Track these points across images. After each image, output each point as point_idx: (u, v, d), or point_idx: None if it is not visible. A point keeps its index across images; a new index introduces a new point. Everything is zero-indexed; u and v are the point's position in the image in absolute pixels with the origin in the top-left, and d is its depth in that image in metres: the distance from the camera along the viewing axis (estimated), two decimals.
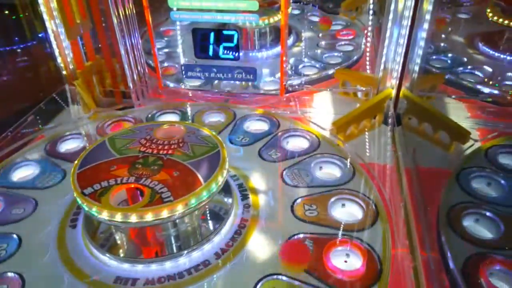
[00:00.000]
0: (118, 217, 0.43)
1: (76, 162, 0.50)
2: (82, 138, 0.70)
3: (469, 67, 0.83)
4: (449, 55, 0.88)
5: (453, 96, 0.77)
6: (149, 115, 0.75)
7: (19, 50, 0.91)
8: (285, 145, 0.66)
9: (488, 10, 0.88)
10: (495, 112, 0.72)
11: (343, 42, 0.96)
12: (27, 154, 0.66)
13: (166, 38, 1.01)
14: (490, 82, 0.79)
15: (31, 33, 0.89)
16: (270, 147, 0.65)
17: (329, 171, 0.61)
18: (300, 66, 0.87)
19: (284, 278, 0.45)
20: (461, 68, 0.83)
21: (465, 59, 0.86)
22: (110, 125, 0.73)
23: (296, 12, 1.12)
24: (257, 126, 0.72)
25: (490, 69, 0.82)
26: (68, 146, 0.69)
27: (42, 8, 0.74)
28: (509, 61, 0.84)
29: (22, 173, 0.63)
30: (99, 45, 0.79)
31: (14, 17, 0.88)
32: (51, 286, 0.46)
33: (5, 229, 0.52)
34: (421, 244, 0.49)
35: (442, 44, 0.92)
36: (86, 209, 0.45)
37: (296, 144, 0.67)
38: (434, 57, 0.87)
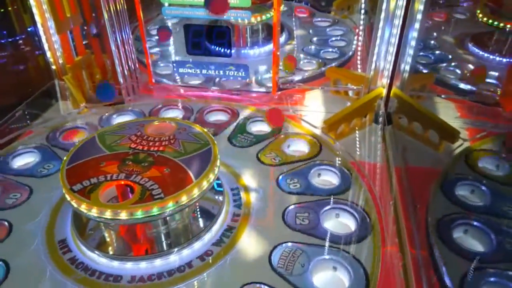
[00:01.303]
0: (108, 214, 0.43)
1: (65, 158, 0.49)
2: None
3: (458, 67, 0.84)
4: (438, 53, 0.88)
5: (443, 96, 0.77)
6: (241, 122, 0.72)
7: (7, 44, 0.89)
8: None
9: (478, 11, 0.89)
10: (484, 112, 0.73)
11: (334, 38, 0.97)
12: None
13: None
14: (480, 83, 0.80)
15: (19, 27, 0.88)
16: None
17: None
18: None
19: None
20: (451, 68, 0.84)
21: (455, 60, 0.87)
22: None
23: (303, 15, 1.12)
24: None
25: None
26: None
27: (32, 1, 0.73)
28: (498, 62, 0.85)
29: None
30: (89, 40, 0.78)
31: (2, 10, 0.87)
32: (39, 283, 0.45)
33: None
34: (410, 242, 0.49)
35: (432, 42, 0.93)
36: (75, 205, 0.44)
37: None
38: (421, 54, 0.87)
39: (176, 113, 0.76)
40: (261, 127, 0.71)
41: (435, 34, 0.96)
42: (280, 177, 0.59)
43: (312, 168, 0.60)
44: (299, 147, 0.66)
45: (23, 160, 0.65)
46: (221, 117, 0.75)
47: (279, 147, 0.65)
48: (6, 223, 0.52)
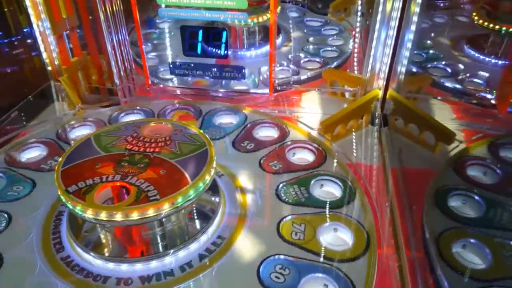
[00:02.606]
0: (103, 216, 0.43)
1: (60, 159, 0.49)
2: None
3: (455, 69, 0.84)
4: (435, 57, 0.89)
5: (439, 98, 0.78)
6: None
7: (3, 45, 0.89)
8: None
9: (474, 14, 0.89)
10: (480, 114, 0.73)
11: (331, 46, 0.97)
12: None
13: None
14: (476, 84, 0.80)
15: (15, 28, 0.87)
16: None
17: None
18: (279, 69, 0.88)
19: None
20: (446, 70, 0.84)
21: (451, 62, 0.87)
22: None
23: (295, 15, 1.12)
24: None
25: (475, 72, 0.83)
26: None
27: (27, 2, 0.73)
28: (494, 64, 0.85)
29: None
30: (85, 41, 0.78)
31: None
32: (35, 287, 0.45)
33: None
34: (406, 244, 0.50)
35: (430, 50, 0.93)
36: (70, 207, 0.44)
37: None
38: (424, 61, 0.88)
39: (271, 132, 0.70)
40: (330, 189, 0.58)
41: (432, 35, 0.97)
42: None
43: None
44: (344, 236, 0.51)
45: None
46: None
47: (317, 225, 0.51)
48: None
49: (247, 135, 0.68)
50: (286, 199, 0.55)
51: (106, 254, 0.47)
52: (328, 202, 0.54)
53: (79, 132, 0.70)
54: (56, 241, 0.50)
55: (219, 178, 0.58)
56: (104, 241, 0.50)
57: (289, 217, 0.52)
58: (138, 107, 0.75)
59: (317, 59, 0.90)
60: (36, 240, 0.50)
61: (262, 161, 0.62)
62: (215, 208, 0.53)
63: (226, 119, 0.73)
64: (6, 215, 0.54)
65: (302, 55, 0.91)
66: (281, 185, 0.57)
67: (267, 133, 0.69)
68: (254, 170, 0.60)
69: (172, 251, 0.47)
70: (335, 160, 0.62)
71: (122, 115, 0.74)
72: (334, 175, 0.58)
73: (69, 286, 0.45)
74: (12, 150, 0.65)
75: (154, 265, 0.46)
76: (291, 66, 0.87)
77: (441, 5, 1.07)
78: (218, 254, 0.47)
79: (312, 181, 0.58)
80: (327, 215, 0.52)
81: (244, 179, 0.59)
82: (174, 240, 0.49)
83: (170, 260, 0.47)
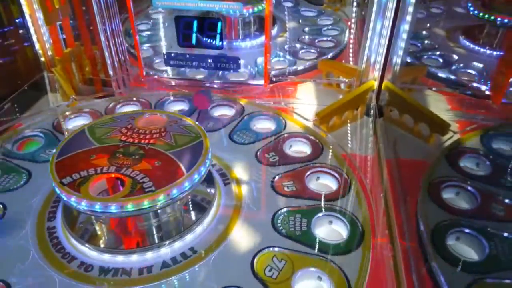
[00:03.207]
0: (98, 207, 0.43)
1: (54, 151, 0.49)
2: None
3: (450, 60, 0.84)
4: (428, 44, 0.89)
5: (434, 89, 0.78)
6: None
7: None
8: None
9: (469, 4, 0.89)
10: (475, 105, 0.74)
11: (325, 36, 0.96)
12: None
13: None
14: (470, 75, 0.80)
15: (7, 18, 0.86)
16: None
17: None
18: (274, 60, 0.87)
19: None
20: (441, 61, 0.84)
21: (446, 52, 0.87)
22: None
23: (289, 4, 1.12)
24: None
25: (470, 62, 0.83)
26: None
27: None
28: (489, 55, 0.85)
29: None
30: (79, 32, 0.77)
31: None
32: (30, 278, 0.45)
33: None
34: (400, 234, 0.50)
35: (424, 36, 0.93)
36: (65, 198, 0.44)
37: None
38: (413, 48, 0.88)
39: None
40: (338, 228, 0.51)
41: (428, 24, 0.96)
42: None
43: None
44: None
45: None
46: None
47: (299, 267, 0.45)
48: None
49: (275, 146, 0.63)
50: (281, 228, 0.49)
51: (102, 246, 0.47)
52: (320, 243, 0.47)
53: (127, 109, 0.73)
54: (52, 210, 0.52)
55: (224, 186, 0.56)
56: (99, 232, 0.50)
57: (276, 248, 0.46)
58: (178, 96, 0.76)
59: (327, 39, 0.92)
60: (37, 205, 0.53)
61: (276, 178, 0.57)
62: (210, 199, 0.53)
63: (264, 124, 0.69)
64: (27, 174, 0.58)
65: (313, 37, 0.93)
66: (283, 209, 0.52)
67: (299, 148, 0.64)
68: (261, 186, 0.56)
69: (167, 242, 0.47)
70: (354, 193, 0.54)
71: (168, 101, 0.75)
72: (346, 213, 0.51)
73: (40, 254, 0.46)
74: (63, 115, 0.70)
75: (150, 256, 0.46)
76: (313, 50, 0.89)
77: None
78: (214, 244, 0.48)
79: (319, 214, 0.51)
80: (313, 258, 0.45)
81: (248, 192, 0.55)
82: (170, 231, 0.49)
83: (166, 251, 0.47)
